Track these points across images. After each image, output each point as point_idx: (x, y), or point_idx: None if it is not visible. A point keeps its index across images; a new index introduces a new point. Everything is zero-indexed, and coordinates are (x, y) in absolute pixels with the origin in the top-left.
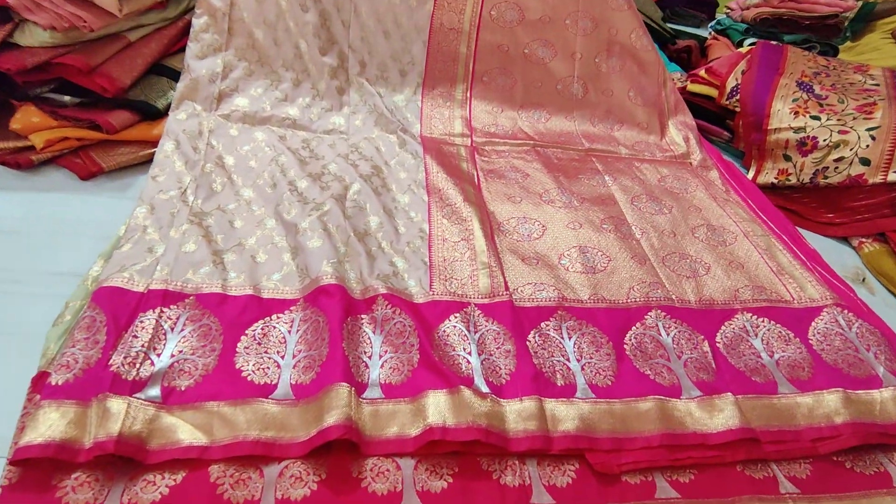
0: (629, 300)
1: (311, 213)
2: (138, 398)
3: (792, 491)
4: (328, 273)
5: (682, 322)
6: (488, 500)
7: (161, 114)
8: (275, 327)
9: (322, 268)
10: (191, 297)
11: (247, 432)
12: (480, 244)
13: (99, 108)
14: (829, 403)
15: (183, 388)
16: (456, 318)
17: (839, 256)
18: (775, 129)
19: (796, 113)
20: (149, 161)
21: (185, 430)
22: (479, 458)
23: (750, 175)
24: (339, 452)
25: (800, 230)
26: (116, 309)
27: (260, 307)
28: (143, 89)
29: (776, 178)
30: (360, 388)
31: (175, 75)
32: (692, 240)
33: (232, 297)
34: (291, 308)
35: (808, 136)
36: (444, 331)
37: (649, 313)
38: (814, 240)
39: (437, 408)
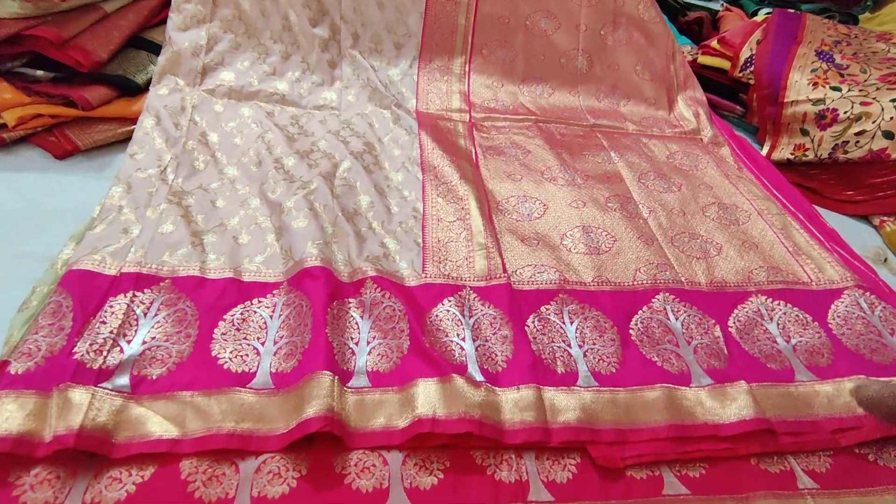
0: (635, 282)
1: (297, 191)
2: (104, 388)
3: (811, 486)
4: (313, 255)
5: (692, 305)
6: (482, 497)
7: (141, 89)
8: (255, 312)
9: (307, 249)
10: (166, 281)
11: (221, 424)
12: (477, 224)
13: (74, 83)
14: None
15: (154, 377)
16: (450, 301)
17: (859, 236)
18: (792, 101)
19: (815, 84)
20: (127, 139)
21: (154, 422)
22: (472, 452)
23: (764, 151)
24: (322, 446)
25: (817, 209)
26: (85, 293)
27: (240, 291)
28: (121, 63)
29: (792, 154)
30: (345, 376)
31: (155, 49)
32: (703, 219)
33: (210, 280)
34: (274, 292)
35: (828, 109)
36: (437, 315)
37: (657, 296)
38: (832, 218)
39: (427, 397)
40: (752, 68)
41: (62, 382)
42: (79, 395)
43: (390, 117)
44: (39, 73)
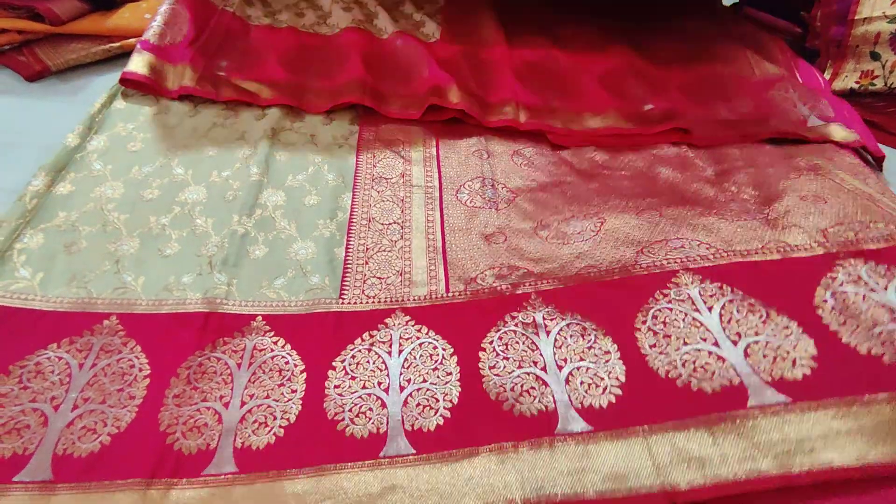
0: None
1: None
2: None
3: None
4: (353, 24)
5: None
6: (497, 435)
7: (115, 3)
8: (309, 45)
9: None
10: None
11: (282, 95)
12: None
13: None
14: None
15: (242, 71)
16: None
17: None
18: (865, 18)
19: None
20: (103, 60)
21: (247, 90)
22: (482, 383)
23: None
24: (313, 394)
25: (884, 148)
26: (198, 10)
27: (297, 37)
28: None
29: (857, 83)
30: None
31: None
32: None
33: (278, 28)
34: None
35: None
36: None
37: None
38: None
39: (437, 93)
40: None
41: (181, 61)
42: (191, 71)
43: None
44: None
